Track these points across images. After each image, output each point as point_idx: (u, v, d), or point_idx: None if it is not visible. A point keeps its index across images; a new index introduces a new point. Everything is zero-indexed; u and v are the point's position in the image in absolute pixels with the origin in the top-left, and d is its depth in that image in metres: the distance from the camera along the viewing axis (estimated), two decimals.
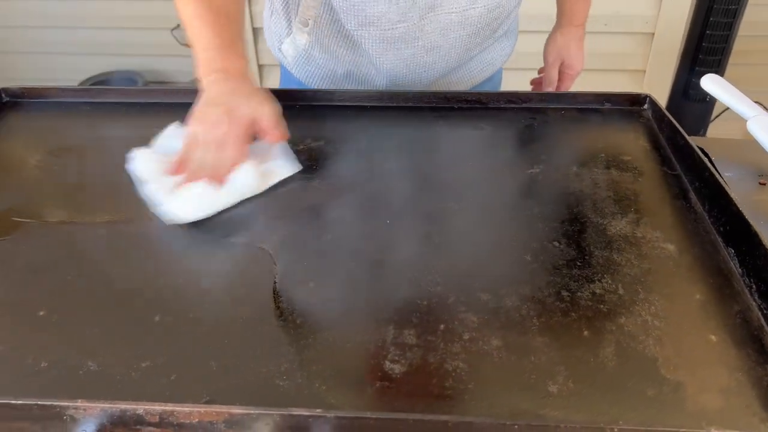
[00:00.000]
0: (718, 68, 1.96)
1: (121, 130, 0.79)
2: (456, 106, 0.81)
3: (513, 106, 0.81)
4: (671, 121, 0.72)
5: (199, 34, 0.69)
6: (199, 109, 0.65)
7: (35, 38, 2.29)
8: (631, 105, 0.81)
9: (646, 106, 0.80)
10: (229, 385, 0.45)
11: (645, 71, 1.80)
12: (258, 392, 0.45)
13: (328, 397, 0.44)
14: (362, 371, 0.47)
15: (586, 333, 0.50)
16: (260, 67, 1.84)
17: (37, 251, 0.59)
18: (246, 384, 0.46)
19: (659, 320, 0.51)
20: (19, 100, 0.85)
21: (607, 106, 0.81)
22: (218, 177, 0.64)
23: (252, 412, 0.38)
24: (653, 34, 1.73)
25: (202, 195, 0.62)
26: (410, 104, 0.82)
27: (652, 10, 1.71)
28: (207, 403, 0.43)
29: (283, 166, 0.69)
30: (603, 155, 0.72)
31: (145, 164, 0.67)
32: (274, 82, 1.94)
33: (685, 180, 0.67)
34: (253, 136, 0.68)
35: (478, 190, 0.67)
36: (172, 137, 0.70)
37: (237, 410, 0.38)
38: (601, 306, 0.52)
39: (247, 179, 0.65)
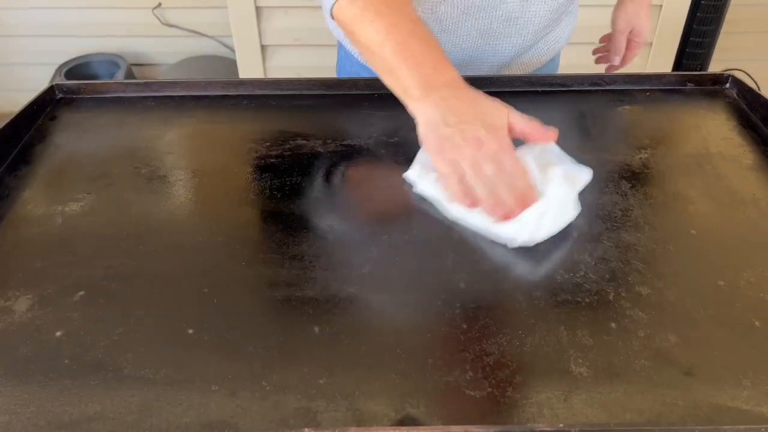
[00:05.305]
0: (713, 38, 1.99)
1: (196, 126, 0.75)
2: (540, 90, 0.80)
3: (597, 88, 0.80)
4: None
5: (403, 48, 0.60)
6: (445, 132, 0.56)
7: (8, 21, 2.16)
8: (713, 84, 0.81)
9: (728, 85, 0.80)
10: (417, 390, 0.44)
11: (651, 44, 1.81)
12: (453, 404, 0.43)
13: (530, 409, 0.43)
14: (549, 377, 0.46)
15: (757, 323, 0.50)
16: (263, 47, 1.77)
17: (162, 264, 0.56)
18: (437, 395, 0.44)
19: None
20: (75, 96, 0.79)
21: (690, 86, 0.81)
22: (527, 197, 0.56)
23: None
24: (661, 6, 1.73)
25: (542, 215, 0.56)
26: (494, 89, 0.80)
27: None
28: (402, 418, 0.42)
29: (579, 169, 0.59)
30: (703, 136, 0.71)
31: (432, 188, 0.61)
32: (278, 62, 1.88)
33: None
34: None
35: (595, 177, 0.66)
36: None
37: (475, 429, 0.36)
38: (762, 294, 0.52)
39: (560, 189, 0.56)
